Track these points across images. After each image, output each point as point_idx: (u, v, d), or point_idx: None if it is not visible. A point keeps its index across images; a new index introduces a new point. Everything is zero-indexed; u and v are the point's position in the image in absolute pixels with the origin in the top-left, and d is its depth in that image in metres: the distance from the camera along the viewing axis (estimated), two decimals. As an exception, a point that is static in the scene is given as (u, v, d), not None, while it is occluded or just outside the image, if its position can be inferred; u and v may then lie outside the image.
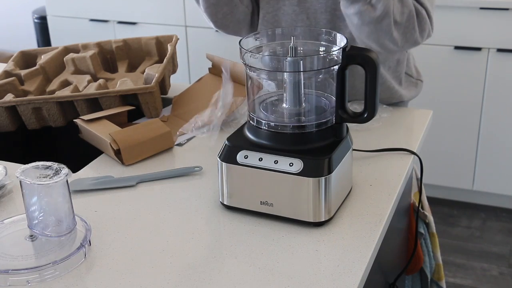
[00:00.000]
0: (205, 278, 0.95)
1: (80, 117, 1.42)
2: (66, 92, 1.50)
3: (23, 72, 1.62)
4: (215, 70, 1.62)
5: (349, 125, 1.14)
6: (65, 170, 1.01)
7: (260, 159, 1.06)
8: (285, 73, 1.07)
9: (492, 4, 2.55)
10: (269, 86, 1.16)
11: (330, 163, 1.04)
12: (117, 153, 1.29)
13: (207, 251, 1.02)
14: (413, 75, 1.65)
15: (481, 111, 2.72)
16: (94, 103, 1.48)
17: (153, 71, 1.51)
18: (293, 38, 1.06)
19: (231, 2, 1.50)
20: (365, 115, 1.09)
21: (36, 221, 1.03)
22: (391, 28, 1.33)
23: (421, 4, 1.39)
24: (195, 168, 1.26)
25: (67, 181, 1.01)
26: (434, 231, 1.57)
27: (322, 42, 1.14)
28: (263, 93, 1.15)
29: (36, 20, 3.66)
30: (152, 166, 1.29)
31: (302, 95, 1.09)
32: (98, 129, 1.35)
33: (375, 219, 1.08)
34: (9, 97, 1.50)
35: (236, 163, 1.07)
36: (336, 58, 1.05)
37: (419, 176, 1.45)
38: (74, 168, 1.28)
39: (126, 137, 1.30)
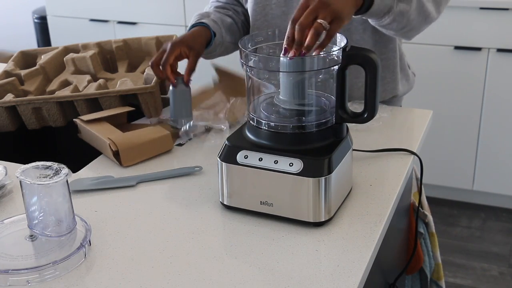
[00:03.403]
0: (205, 278, 0.95)
1: (79, 117, 1.42)
2: (66, 92, 1.50)
3: (23, 72, 1.62)
4: (220, 85, 1.62)
5: (349, 125, 1.14)
6: (65, 170, 1.01)
7: (260, 159, 1.06)
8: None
9: (492, 4, 2.55)
10: (269, 89, 1.16)
11: (330, 163, 1.04)
12: (116, 154, 1.29)
13: (207, 251, 1.02)
14: (409, 65, 1.65)
15: (481, 111, 2.72)
16: (94, 103, 1.48)
17: (153, 71, 1.51)
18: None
19: (223, 44, 1.54)
20: (365, 115, 1.09)
21: (36, 221, 1.03)
22: (427, 6, 1.32)
23: None
24: (195, 168, 1.26)
25: (67, 181, 1.01)
26: (434, 230, 1.57)
27: (322, 42, 1.14)
28: (263, 93, 1.15)
29: (36, 20, 3.66)
30: (152, 166, 1.29)
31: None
32: (98, 130, 1.35)
33: (375, 219, 1.08)
34: (9, 97, 1.50)
35: (236, 163, 1.07)
36: (336, 58, 1.05)
37: (419, 176, 1.45)
38: (74, 168, 1.28)
39: (125, 139, 1.30)
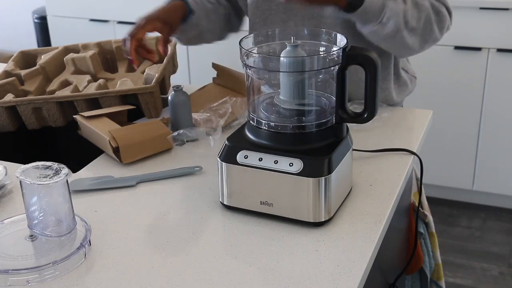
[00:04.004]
0: (205, 278, 0.95)
1: (80, 113, 1.41)
2: (66, 92, 1.50)
3: (23, 72, 1.62)
4: (219, 80, 1.63)
5: (349, 125, 1.14)
6: (65, 170, 1.01)
7: (260, 159, 1.06)
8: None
9: (492, 4, 2.55)
10: (267, 89, 1.16)
11: (330, 163, 1.04)
12: (116, 151, 1.29)
13: (207, 251, 1.02)
14: (408, 70, 1.65)
15: (481, 111, 2.72)
16: (94, 103, 1.48)
17: (153, 71, 1.51)
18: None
19: (198, 27, 1.50)
20: (365, 115, 1.09)
21: (36, 221, 1.03)
22: (405, 39, 1.37)
23: (441, 1, 1.42)
24: (195, 168, 1.26)
25: (67, 181, 1.01)
26: (434, 231, 1.57)
27: (322, 42, 1.14)
28: (263, 93, 1.15)
29: (36, 20, 3.66)
30: (152, 166, 1.29)
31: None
32: (98, 126, 1.34)
33: (375, 219, 1.08)
34: (9, 97, 1.50)
35: (236, 163, 1.07)
36: (336, 58, 1.05)
37: (419, 176, 1.45)
38: (74, 168, 1.27)
39: (126, 136, 1.30)
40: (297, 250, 1.01)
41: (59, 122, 1.51)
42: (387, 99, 1.55)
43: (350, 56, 1.05)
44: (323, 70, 1.07)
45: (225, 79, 1.61)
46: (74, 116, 1.42)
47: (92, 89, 1.49)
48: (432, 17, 1.40)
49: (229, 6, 1.60)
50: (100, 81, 1.53)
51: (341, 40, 1.10)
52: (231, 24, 1.62)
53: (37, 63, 1.65)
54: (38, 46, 3.67)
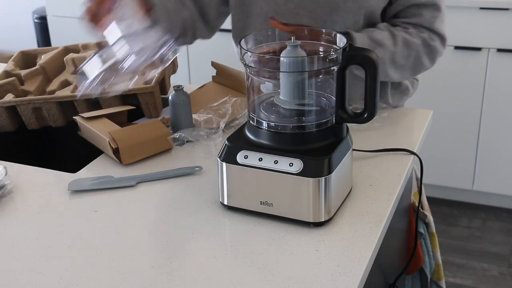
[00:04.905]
0: (205, 278, 0.95)
1: (79, 114, 1.41)
2: (66, 92, 1.50)
3: (23, 72, 1.62)
4: (219, 79, 1.63)
5: (349, 125, 1.14)
6: None
7: (260, 159, 1.06)
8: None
9: (492, 4, 2.55)
10: (267, 88, 1.16)
11: (330, 163, 1.04)
12: (116, 152, 1.29)
13: (207, 251, 1.02)
14: None
15: (481, 111, 2.72)
16: (94, 103, 1.48)
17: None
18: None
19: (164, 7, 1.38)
20: (365, 115, 1.09)
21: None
22: (394, 77, 1.44)
23: (435, 31, 1.46)
24: (195, 168, 1.26)
25: None
26: (434, 231, 1.57)
27: (322, 42, 1.14)
28: (263, 93, 1.15)
29: (36, 20, 3.66)
30: (152, 166, 1.29)
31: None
32: (98, 127, 1.34)
33: (375, 219, 1.08)
34: (9, 97, 1.50)
35: (236, 163, 1.07)
36: (336, 58, 1.05)
37: (419, 176, 1.45)
38: (74, 168, 1.28)
39: (125, 137, 1.30)
40: (297, 250, 1.01)
41: (59, 122, 1.51)
42: (385, 104, 1.55)
43: (350, 56, 1.05)
44: (323, 70, 1.07)
45: (225, 78, 1.61)
46: (74, 117, 1.42)
47: (92, 89, 1.49)
48: (421, 52, 1.43)
49: (195, 10, 1.50)
50: (100, 81, 1.52)
51: (341, 40, 1.10)
52: (196, 29, 1.53)
53: (37, 63, 1.65)
54: (38, 46, 3.67)
